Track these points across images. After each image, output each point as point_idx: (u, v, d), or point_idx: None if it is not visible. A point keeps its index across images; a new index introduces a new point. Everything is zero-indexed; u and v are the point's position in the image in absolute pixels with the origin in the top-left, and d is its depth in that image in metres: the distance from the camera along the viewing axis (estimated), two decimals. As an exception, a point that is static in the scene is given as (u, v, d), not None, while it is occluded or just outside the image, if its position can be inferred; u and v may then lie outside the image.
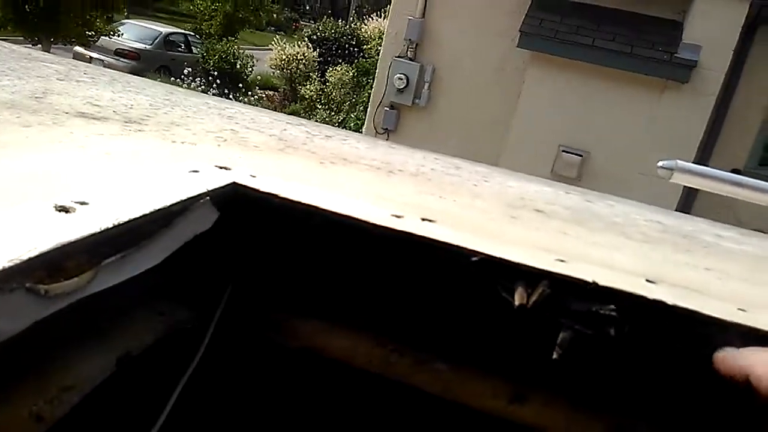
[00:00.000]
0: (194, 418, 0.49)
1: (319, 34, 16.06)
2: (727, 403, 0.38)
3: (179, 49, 16.53)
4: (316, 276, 0.48)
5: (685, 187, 5.41)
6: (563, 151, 6.50)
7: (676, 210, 6.19)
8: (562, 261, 0.40)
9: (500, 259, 0.39)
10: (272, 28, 29.37)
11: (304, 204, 0.44)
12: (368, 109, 8.06)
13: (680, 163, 0.99)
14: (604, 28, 6.21)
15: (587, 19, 6.32)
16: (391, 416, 0.49)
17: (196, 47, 16.63)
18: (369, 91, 9.22)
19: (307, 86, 13.74)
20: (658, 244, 0.51)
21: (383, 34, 8.26)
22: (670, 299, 0.36)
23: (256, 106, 12.77)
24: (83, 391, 0.40)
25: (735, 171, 6.97)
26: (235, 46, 16.03)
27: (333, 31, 16.09)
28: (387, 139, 7.89)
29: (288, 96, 15.16)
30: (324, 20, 17.99)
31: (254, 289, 0.49)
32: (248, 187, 0.46)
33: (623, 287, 0.37)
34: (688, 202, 6.58)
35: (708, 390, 0.38)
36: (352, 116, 11.51)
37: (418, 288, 0.45)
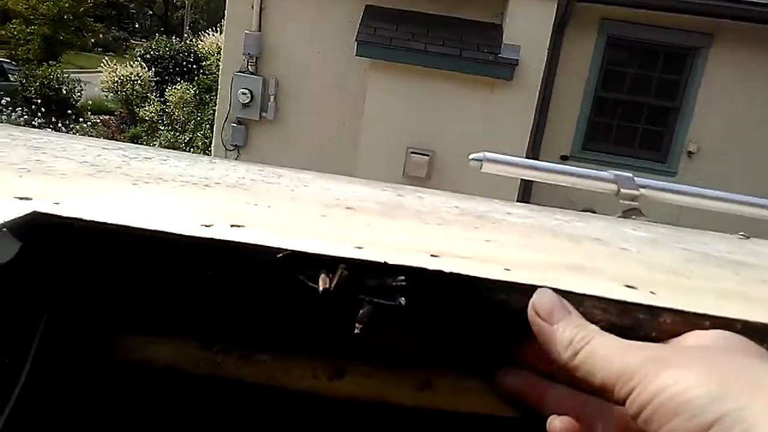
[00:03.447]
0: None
1: (152, 52, 15.33)
2: (501, 340, 0.46)
3: (-7, 78, 14.93)
4: (135, 292, 0.49)
5: (522, 179, 5.91)
6: (411, 152, 6.79)
7: (517, 199, 6.73)
8: (359, 248, 0.45)
9: (303, 252, 0.43)
10: (100, 49, 27.52)
11: (111, 224, 0.45)
12: (214, 127, 7.85)
13: (487, 154, 1.11)
14: (433, 34, 6.60)
15: (417, 26, 6.67)
16: (224, 413, 0.51)
17: (14, 75, 15.11)
18: (213, 108, 8.98)
19: (146, 108, 13.04)
20: (451, 225, 0.58)
21: (221, 49, 8.07)
22: (447, 268, 0.42)
23: (90, 133, 11.88)
24: None
25: (563, 157, 7.72)
26: (59, 71, 14.79)
27: (167, 48, 15.44)
28: (238, 156, 7.72)
29: (126, 119, 14.29)
30: (156, 38, 17.21)
31: (74, 312, 0.49)
32: (51, 215, 0.46)
33: (409, 263, 0.42)
34: (527, 190, 7.18)
35: (485, 336, 0.46)
36: (199, 135, 11.13)
37: (237, 290, 0.47)
